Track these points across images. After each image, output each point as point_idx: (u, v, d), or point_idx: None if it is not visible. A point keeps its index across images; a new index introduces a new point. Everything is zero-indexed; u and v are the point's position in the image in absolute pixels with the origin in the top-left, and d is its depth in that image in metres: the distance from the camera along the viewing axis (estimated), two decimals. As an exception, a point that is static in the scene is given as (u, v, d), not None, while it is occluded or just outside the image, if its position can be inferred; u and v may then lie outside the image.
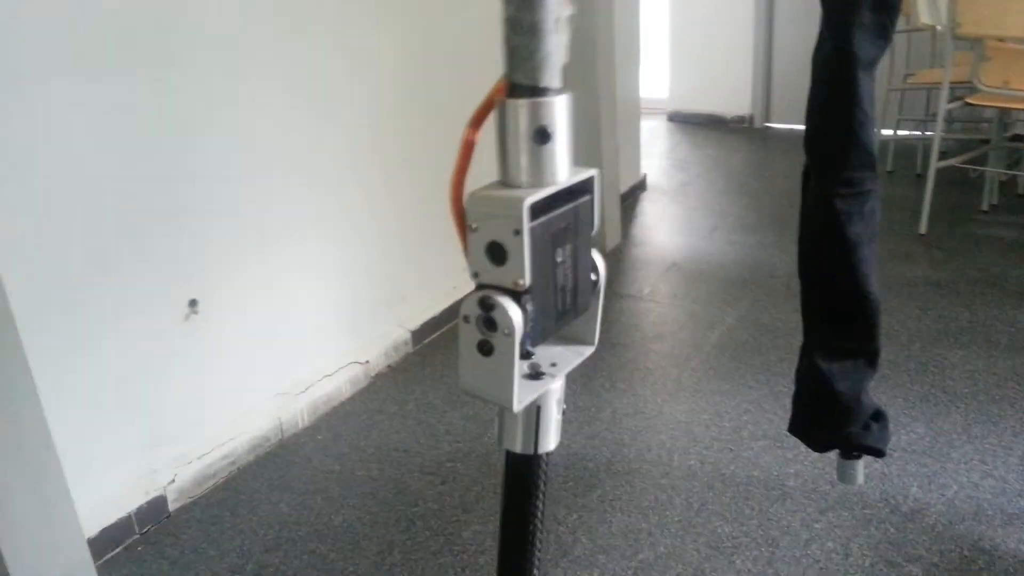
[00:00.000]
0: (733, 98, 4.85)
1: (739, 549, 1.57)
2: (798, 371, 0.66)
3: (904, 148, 3.79)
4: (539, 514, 0.45)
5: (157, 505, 1.74)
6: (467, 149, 0.37)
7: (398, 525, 1.71)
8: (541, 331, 0.35)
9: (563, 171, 0.34)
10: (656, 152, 4.49)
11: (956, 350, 2.26)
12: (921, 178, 3.09)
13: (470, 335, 0.35)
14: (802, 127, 0.67)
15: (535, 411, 0.39)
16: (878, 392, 2.06)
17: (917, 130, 3.80)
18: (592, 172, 0.37)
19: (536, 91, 0.34)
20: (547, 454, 0.43)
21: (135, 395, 1.71)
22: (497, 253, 0.34)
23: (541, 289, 0.34)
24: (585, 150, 2.97)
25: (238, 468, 1.92)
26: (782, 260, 2.92)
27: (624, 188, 3.51)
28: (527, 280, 0.34)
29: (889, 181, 3.60)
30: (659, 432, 1.96)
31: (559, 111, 0.34)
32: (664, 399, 2.09)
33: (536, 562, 0.47)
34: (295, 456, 1.97)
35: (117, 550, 1.67)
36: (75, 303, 1.56)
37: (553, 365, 0.39)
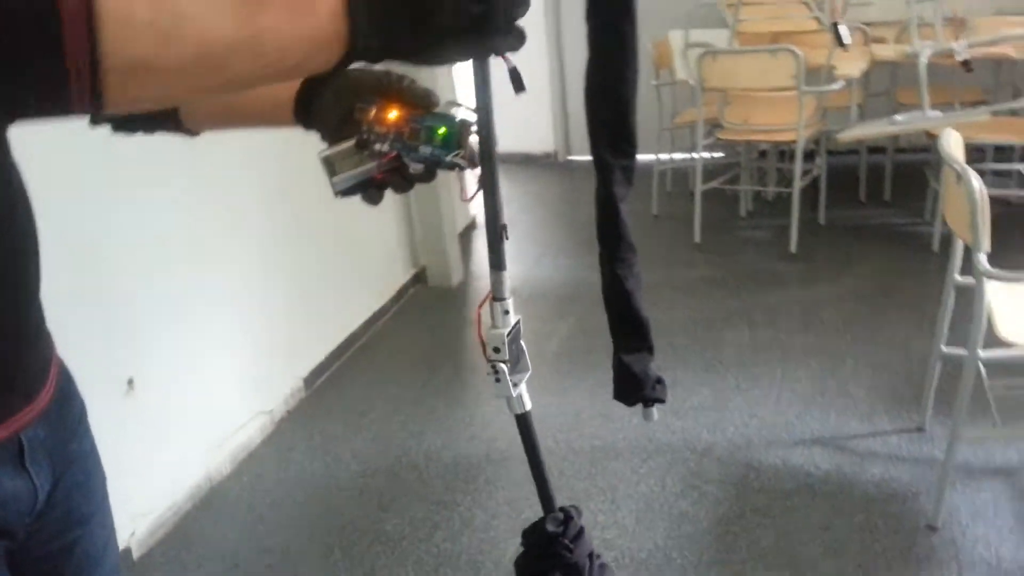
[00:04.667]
0: (539, 136, 5.55)
1: (591, 497, 2.16)
2: (613, 363, 1.21)
3: (678, 172, 4.63)
4: (537, 446, 0.96)
5: (125, 556, 2.08)
6: (479, 317, 0.85)
7: (331, 533, 2.15)
8: (511, 372, 0.87)
9: (512, 320, 0.86)
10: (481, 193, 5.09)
11: (727, 330, 2.99)
12: (694, 196, 3.87)
13: (491, 377, 0.87)
14: None
15: (520, 398, 0.91)
16: (675, 367, 2.74)
17: (688, 153, 4.64)
18: (519, 316, 0.89)
19: (503, 300, 0.85)
20: (529, 411, 0.94)
21: (93, 465, 2.05)
22: (496, 350, 0.86)
23: (511, 359, 0.87)
24: (429, 208, 3.51)
25: (182, 516, 2.27)
26: (598, 277, 3.59)
27: (460, 229, 4.08)
28: (507, 357, 0.86)
29: (669, 200, 4.41)
30: (521, 426, 2.52)
31: (511, 307, 0.85)
32: (520, 401, 2.65)
33: (542, 462, 0.97)
34: (227, 498, 2.35)
35: (98, 595, 2.00)
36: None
37: (519, 382, 0.92)
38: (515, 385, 0.94)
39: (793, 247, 3.60)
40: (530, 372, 0.95)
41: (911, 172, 4.32)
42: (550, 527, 1.01)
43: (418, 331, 3.30)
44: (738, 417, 2.45)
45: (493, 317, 0.89)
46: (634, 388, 1.25)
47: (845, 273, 3.40)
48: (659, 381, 1.31)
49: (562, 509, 1.02)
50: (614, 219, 1.10)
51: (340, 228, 3.09)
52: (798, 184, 3.57)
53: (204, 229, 2.41)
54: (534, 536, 1.02)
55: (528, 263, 3.87)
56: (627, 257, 1.17)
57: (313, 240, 2.94)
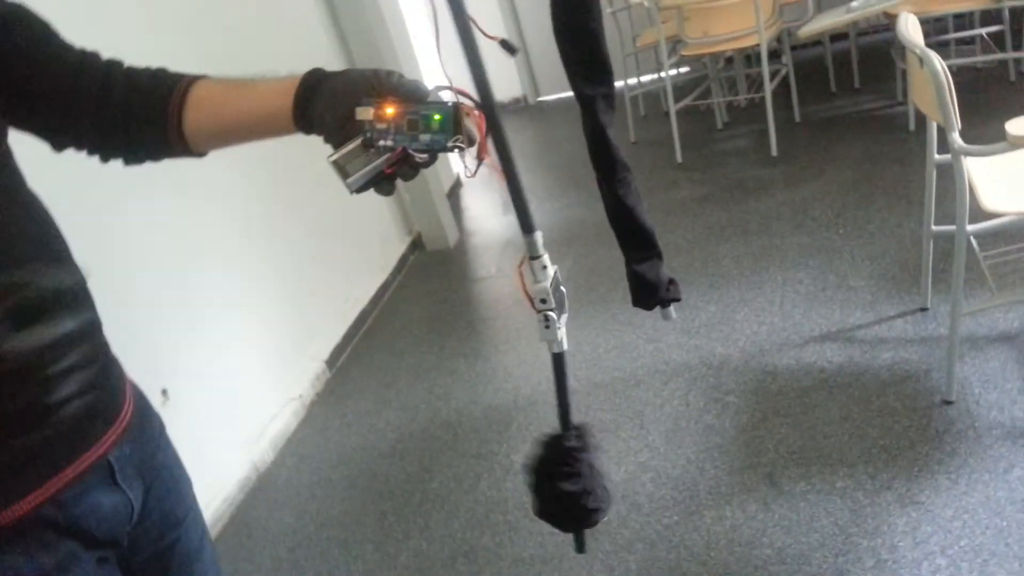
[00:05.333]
0: (506, 83, 5.53)
1: (620, 426, 2.26)
2: (627, 272, 1.28)
3: (649, 94, 4.64)
4: (567, 379, 1.04)
5: (191, 553, 2.18)
6: (521, 275, 0.86)
7: (382, 498, 2.26)
8: (559, 315, 0.95)
9: (551, 272, 0.93)
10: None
11: (722, 244, 3.06)
12: (668, 116, 3.89)
13: (541, 324, 0.94)
14: (568, 95, 1.23)
15: (562, 340, 0.98)
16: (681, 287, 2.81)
17: (656, 74, 4.64)
18: (555, 267, 0.96)
19: (539, 257, 0.92)
20: (566, 351, 1.01)
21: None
22: (544, 300, 0.94)
23: (557, 305, 0.94)
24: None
25: (236, 507, 2.37)
26: (587, 213, 3.63)
27: (446, 189, 4.11)
28: (554, 305, 0.94)
29: (645, 125, 4.43)
30: (542, 370, 2.61)
31: (540, 244, 0.92)
32: (538, 348, 2.73)
33: (568, 390, 1.04)
34: (276, 483, 2.45)
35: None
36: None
37: (561, 324, 0.99)
38: (559, 328, 1.02)
39: (774, 150, 3.65)
40: (568, 314, 1.02)
41: (877, 54, 4.34)
42: (570, 442, 1.09)
43: (425, 297, 3.37)
44: (747, 327, 2.54)
45: (534, 273, 0.96)
46: (650, 293, 1.34)
47: (828, 167, 3.46)
48: (672, 282, 1.40)
49: (577, 427, 1.09)
50: (605, 145, 1.17)
51: (334, 211, 3.14)
52: (769, 86, 3.60)
53: (211, 236, 2.46)
54: (552, 448, 1.10)
55: (518, 210, 3.91)
56: (624, 177, 1.24)
57: (310, 228, 2.98)
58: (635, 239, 1.27)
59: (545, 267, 0.96)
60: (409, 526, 2.13)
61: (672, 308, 1.35)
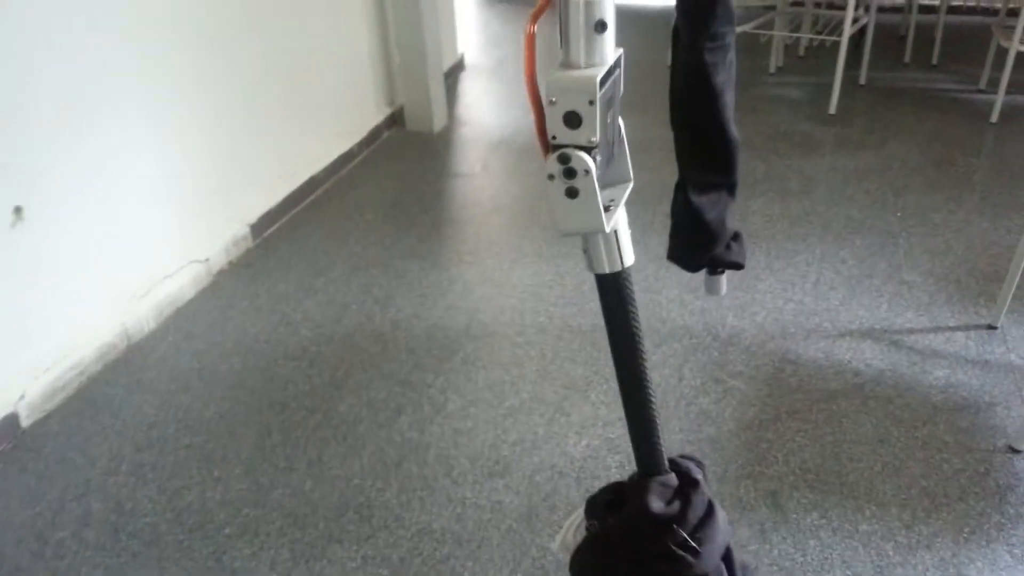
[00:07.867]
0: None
1: (592, 386, 1.76)
2: (673, 206, 0.77)
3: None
4: (637, 316, 0.53)
5: (10, 423, 1.67)
6: (530, 40, 0.43)
7: (271, 409, 1.75)
8: (601, 176, 0.43)
9: (611, 53, 0.41)
10: (470, 30, 4.49)
11: (756, 199, 2.54)
12: (717, 45, 3.33)
13: (557, 188, 0.42)
14: None
15: (614, 236, 0.46)
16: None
17: None
18: (620, 50, 0.44)
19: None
20: (628, 268, 0.51)
21: (-36, 314, 1.60)
22: (572, 120, 0.41)
23: (603, 143, 0.42)
24: (409, 31, 2.94)
25: (88, 377, 1.86)
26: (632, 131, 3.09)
27: (446, 67, 3.52)
28: (598, 137, 0.41)
29: (689, 50, 3.85)
30: (509, 296, 2.10)
31: (610, 5, 0.40)
32: (510, 266, 2.21)
33: (643, 354, 0.55)
34: (147, 359, 1.93)
35: (-28, 474, 1.60)
36: None
37: (612, 201, 0.47)
38: (607, 210, 0.51)
39: (832, 107, 3.11)
40: (632, 184, 0.51)
41: (963, 35, 3.80)
42: (654, 505, 0.60)
43: (391, 180, 2.81)
44: (770, 300, 2.04)
45: (568, 33, 0.45)
46: (705, 242, 0.83)
47: (891, 140, 2.93)
48: (736, 237, 0.90)
49: (674, 463, 0.60)
50: None
51: (307, 50, 2.55)
52: (848, 29, 3.03)
53: (135, 26, 1.86)
54: (627, 519, 0.62)
55: (521, 111, 3.35)
56: (723, 32, 0.71)
57: (273, 58, 2.39)
58: (706, 149, 0.79)
59: (604, 27, 0.45)
60: (296, 454, 1.63)
61: (724, 277, 0.87)
